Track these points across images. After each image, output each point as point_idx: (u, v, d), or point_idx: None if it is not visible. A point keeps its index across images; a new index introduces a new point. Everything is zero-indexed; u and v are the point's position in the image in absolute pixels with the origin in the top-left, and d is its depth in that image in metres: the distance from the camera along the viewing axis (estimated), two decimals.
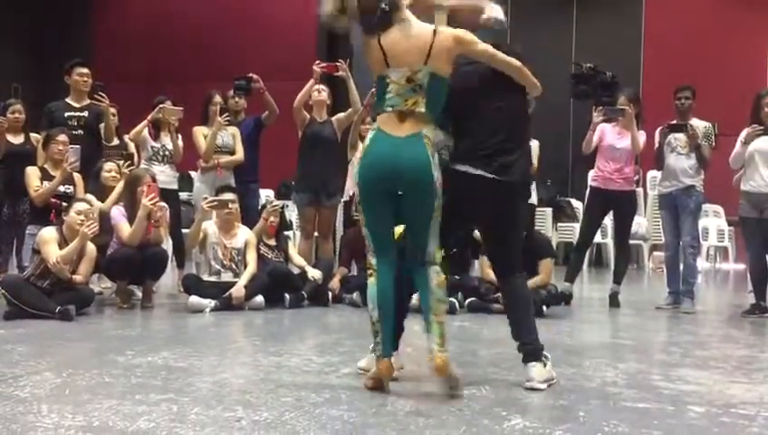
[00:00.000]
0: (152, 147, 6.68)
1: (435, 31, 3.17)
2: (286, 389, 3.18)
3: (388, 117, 3.18)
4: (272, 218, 6.24)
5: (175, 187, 6.83)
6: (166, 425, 2.58)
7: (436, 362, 3.06)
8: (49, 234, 5.26)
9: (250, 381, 3.35)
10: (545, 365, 3.33)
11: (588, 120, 6.63)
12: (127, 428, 2.55)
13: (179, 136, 6.78)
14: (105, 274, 6.06)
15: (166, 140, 6.70)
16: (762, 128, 5.98)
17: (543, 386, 3.25)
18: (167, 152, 6.71)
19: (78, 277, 5.27)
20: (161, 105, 6.60)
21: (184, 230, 6.79)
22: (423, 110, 3.14)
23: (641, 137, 6.31)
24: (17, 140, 6.55)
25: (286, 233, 6.64)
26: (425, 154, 3.10)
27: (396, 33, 3.16)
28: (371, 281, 3.22)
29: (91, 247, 5.36)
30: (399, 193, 3.15)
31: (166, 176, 6.60)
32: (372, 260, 3.23)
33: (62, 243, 5.24)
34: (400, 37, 3.16)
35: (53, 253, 5.13)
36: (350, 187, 6.78)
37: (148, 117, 6.62)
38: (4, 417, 2.64)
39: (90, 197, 6.04)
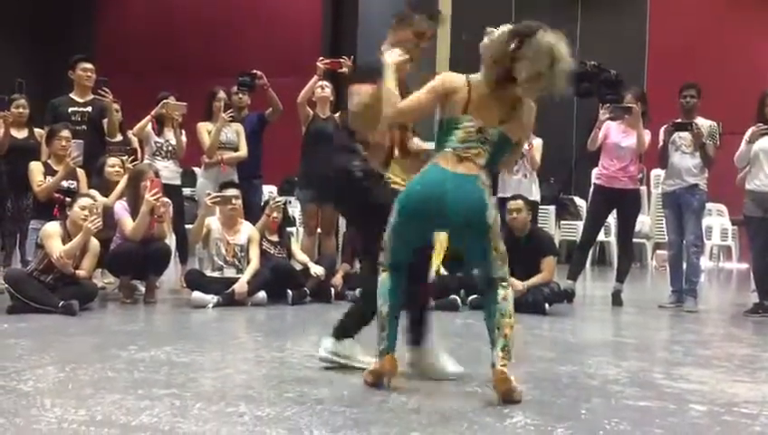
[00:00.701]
0: (156, 142, 6.68)
1: (520, 99, 3.16)
2: (289, 385, 3.18)
3: (445, 155, 3.13)
4: (274, 214, 6.24)
5: (178, 182, 6.83)
6: (168, 420, 2.59)
7: (499, 377, 2.99)
8: (53, 229, 5.27)
9: (252, 376, 3.35)
10: (338, 341, 3.47)
11: (590, 117, 6.62)
12: (129, 422, 2.55)
13: (183, 132, 6.78)
14: (108, 269, 6.07)
15: (169, 135, 6.70)
16: (767, 127, 5.97)
17: (324, 353, 3.45)
18: (170, 148, 6.71)
19: (81, 272, 5.28)
20: (165, 100, 6.60)
21: (187, 226, 6.80)
22: (483, 162, 3.12)
23: (647, 136, 6.30)
24: (21, 134, 6.56)
25: (289, 229, 6.64)
26: (479, 195, 3.08)
27: (485, 86, 3.14)
28: (384, 276, 3.23)
29: (94, 243, 5.37)
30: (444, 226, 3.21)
31: (169, 171, 6.61)
32: (385, 262, 3.24)
33: (66, 238, 5.25)
34: (489, 92, 3.12)
35: (57, 248, 5.14)
36: None
37: (152, 112, 6.62)
38: (7, 410, 2.65)
39: (93, 192, 6.05)
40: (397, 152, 3.73)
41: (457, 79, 3.19)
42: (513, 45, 3.07)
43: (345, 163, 3.47)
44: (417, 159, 3.64)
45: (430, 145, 3.40)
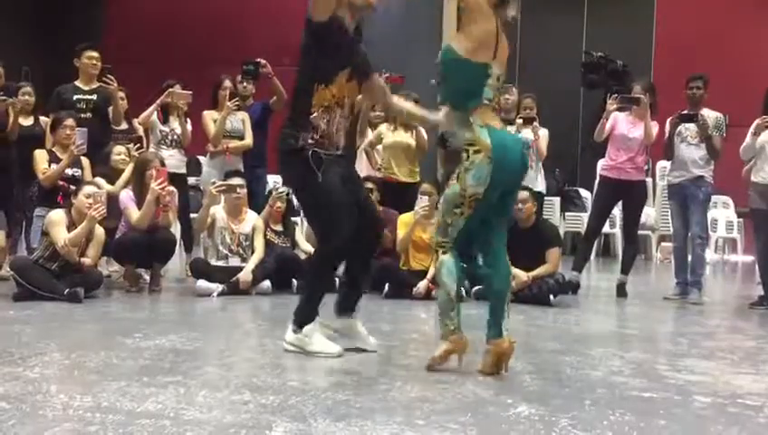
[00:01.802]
0: (161, 131, 6.68)
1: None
2: (293, 373, 3.19)
3: (486, 110, 3.23)
4: (278, 204, 6.24)
5: (183, 171, 6.83)
6: (173, 407, 2.60)
7: (510, 346, 3.27)
8: (57, 216, 5.28)
9: (257, 364, 3.36)
10: (296, 333, 3.55)
11: (597, 108, 6.61)
12: (135, 409, 2.57)
13: (188, 120, 6.78)
14: (114, 257, 6.08)
15: (175, 124, 6.70)
16: None
17: (289, 347, 3.55)
18: (175, 136, 6.71)
19: (87, 260, 5.29)
20: (171, 89, 6.60)
21: (192, 215, 6.81)
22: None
23: (654, 127, 6.28)
24: (27, 122, 6.57)
25: (294, 219, 6.64)
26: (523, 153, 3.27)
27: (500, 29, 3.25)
28: (447, 259, 3.24)
29: (99, 230, 5.38)
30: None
31: (175, 160, 6.61)
32: (447, 241, 3.25)
33: (71, 226, 5.26)
34: (503, 35, 3.24)
35: (62, 236, 5.15)
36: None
37: (158, 100, 6.62)
38: (14, 397, 2.66)
39: (99, 180, 6.06)
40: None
41: (492, 22, 3.22)
42: None
43: (286, 139, 3.52)
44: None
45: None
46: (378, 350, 3.69)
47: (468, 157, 3.17)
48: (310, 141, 3.46)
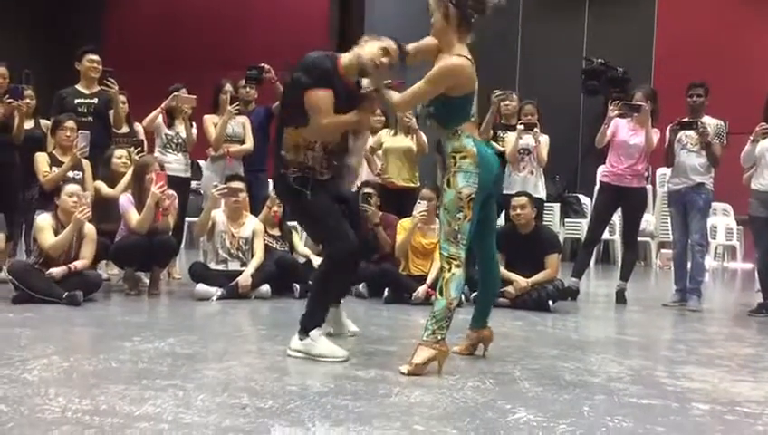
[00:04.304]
0: (166, 135, 6.70)
1: None
2: (291, 377, 3.19)
3: (470, 125, 3.49)
4: (275, 208, 6.24)
5: (188, 175, 6.85)
6: (171, 410, 2.60)
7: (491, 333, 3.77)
8: (43, 222, 5.28)
9: (255, 369, 3.36)
10: (302, 340, 3.58)
11: (598, 114, 6.61)
12: (133, 412, 2.56)
13: (194, 124, 6.80)
14: (113, 260, 6.09)
15: (180, 128, 6.72)
16: None
17: (293, 354, 3.58)
18: (180, 140, 6.73)
19: (82, 261, 5.28)
20: (176, 93, 6.61)
21: (189, 219, 6.80)
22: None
23: (655, 134, 6.29)
24: (27, 124, 6.56)
25: (291, 223, 6.64)
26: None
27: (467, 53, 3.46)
28: (459, 272, 3.36)
29: (89, 228, 5.37)
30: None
31: (180, 164, 6.63)
32: (460, 253, 3.37)
33: (59, 228, 5.27)
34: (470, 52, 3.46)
35: (49, 240, 5.16)
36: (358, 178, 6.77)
37: (162, 104, 6.63)
38: (12, 399, 2.66)
39: (99, 183, 6.07)
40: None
41: (466, 65, 3.40)
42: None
43: (277, 159, 3.65)
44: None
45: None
46: (375, 352, 3.69)
47: (456, 162, 3.39)
48: (288, 170, 3.58)
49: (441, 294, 3.35)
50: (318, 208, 3.57)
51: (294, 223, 6.84)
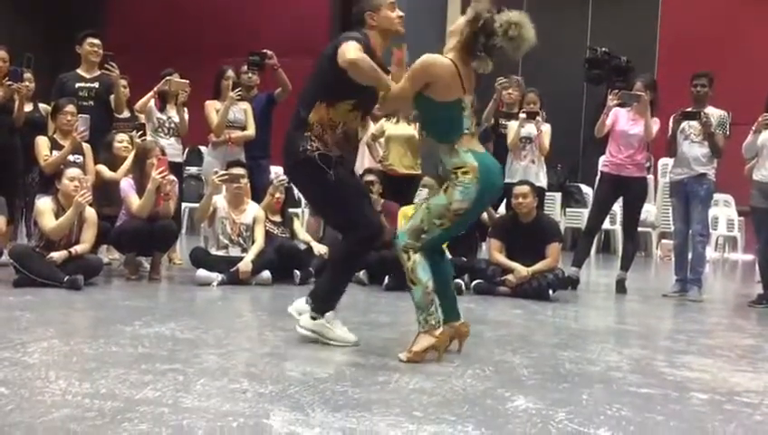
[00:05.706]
0: (158, 118, 6.68)
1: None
2: (291, 363, 3.20)
3: (468, 138, 3.41)
4: (277, 194, 6.23)
5: (180, 160, 6.83)
6: (171, 395, 2.60)
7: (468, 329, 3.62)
8: (44, 206, 5.28)
9: (256, 354, 3.37)
10: (315, 319, 3.56)
11: (599, 104, 6.59)
12: (133, 396, 2.57)
13: (186, 109, 6.76)
14: (114, 245, 6.08)
15: (172, 112, 6.70)
16: None
17: (303, 331, 3.56)
18: (172, 124, 6.71)
19: (83, 245, 5.28)
20: (168, 77, 6.59)
21: (186, 205, 6.80)
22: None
23: (655, 124, 6.27)
24: (26, 108, 6.55)
25: (296, 210, 6.63)
26: None
27: (462, 61, 3.39)
28: (418, 256, 3.35)
29: (90, 212, 5.37)
30: None
31: (172, 149, 6.60)
32: (417, 244, 3.36)
33: (60, 211, 5.27)
34: (466, 66, 3.41)
35: (50, 224, 5.16)
36: (360, 166, 6.77)
37: (155, 88, 6.61)
38: (12, 382, 2.67)
39: (101, 167, 6.07)
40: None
41: (445, 63, 3.35)
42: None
43: (295, 142, 3.56)
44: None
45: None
46: (375, 339, 3.70)
47: (458, 177, 3.34)
48: (312, 147, 3.50)
49: (413, 283, 3.34)
50: (343, 189, 3.53)
51: (296, 210, 6.87)
